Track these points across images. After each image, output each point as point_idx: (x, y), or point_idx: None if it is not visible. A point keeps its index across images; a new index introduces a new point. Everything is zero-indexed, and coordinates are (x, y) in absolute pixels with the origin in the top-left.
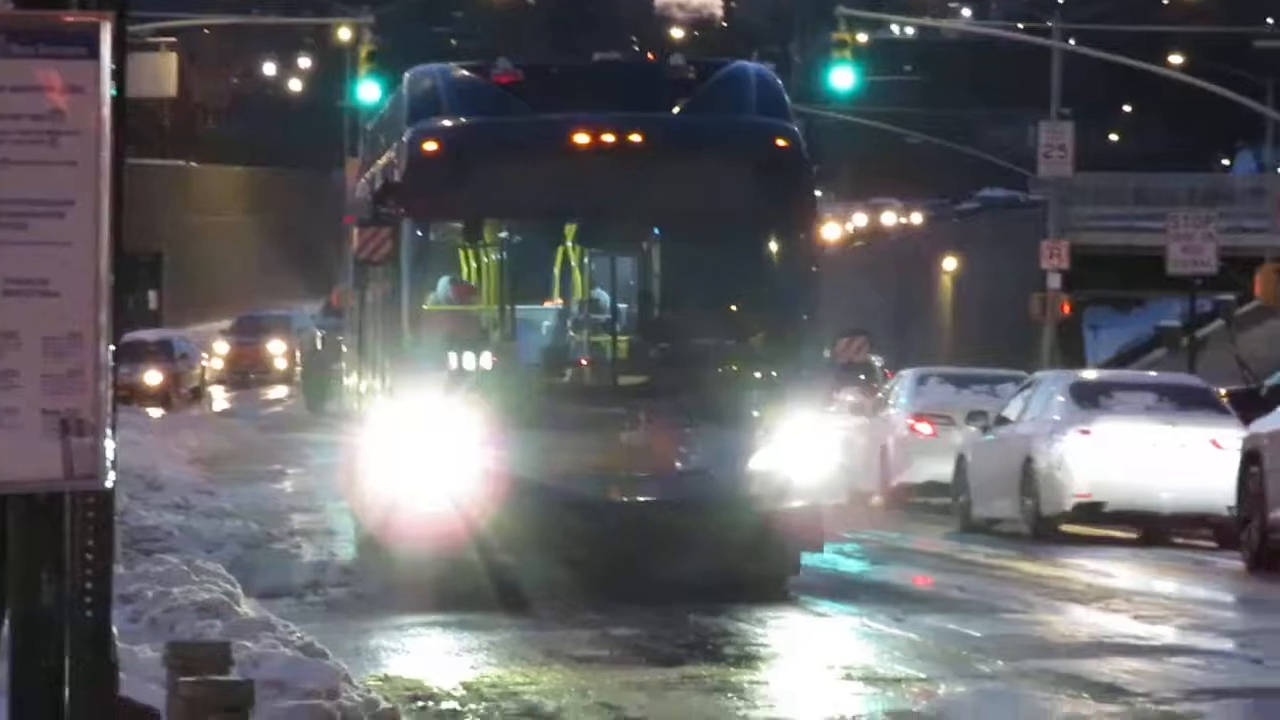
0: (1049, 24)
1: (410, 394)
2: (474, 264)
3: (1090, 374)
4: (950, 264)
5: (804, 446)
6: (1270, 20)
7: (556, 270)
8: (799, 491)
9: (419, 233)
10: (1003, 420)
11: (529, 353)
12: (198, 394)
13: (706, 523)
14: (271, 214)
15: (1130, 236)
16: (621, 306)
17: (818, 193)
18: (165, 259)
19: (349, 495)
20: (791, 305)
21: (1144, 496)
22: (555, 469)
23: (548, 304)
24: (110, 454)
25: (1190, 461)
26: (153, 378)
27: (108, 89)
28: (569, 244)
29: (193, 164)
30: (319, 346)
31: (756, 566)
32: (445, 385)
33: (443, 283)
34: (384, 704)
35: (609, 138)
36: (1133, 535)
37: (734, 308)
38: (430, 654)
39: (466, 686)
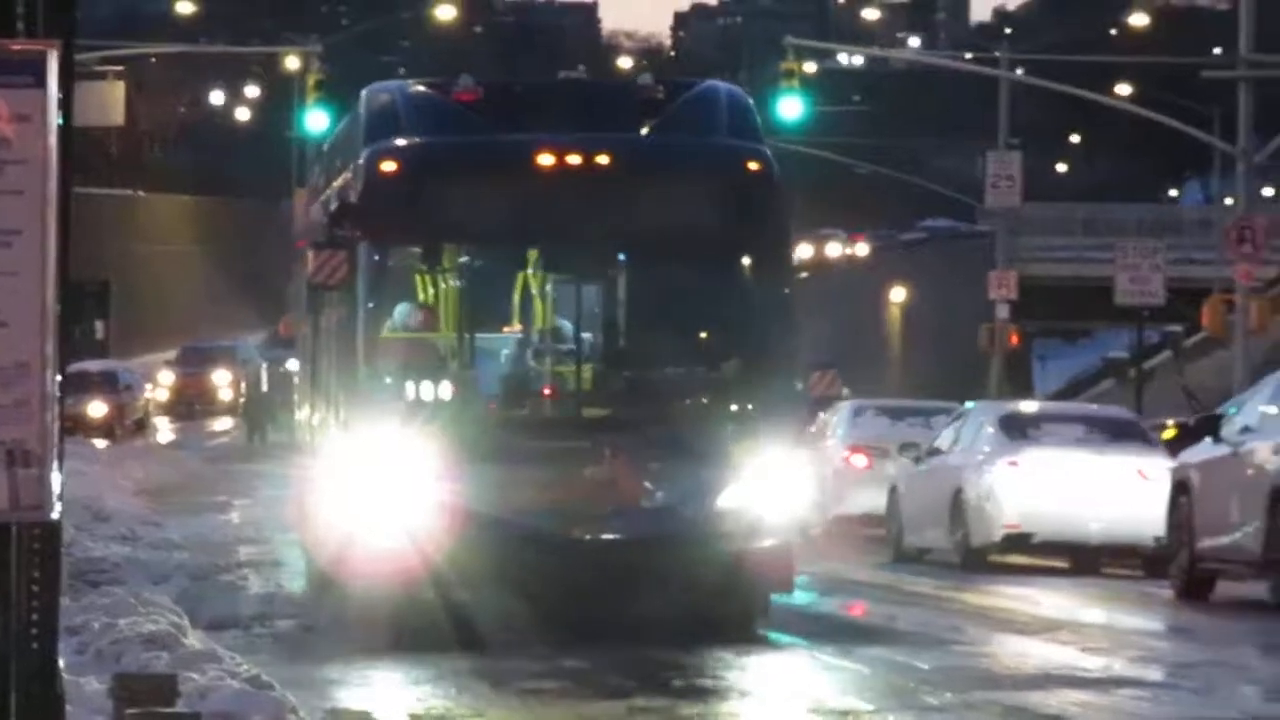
0: (997, 54)
1: (365, 425)
2: (433, 290)
3: (1019, 405)
4: (899, 295)
5: (775, 483)
6: (1218, 50)
7: (519, 297)
8: (769, 530)
9: (376, 256)
10: (935, 451)
11: (489, 383)
12: (142, 425)
13: (672, 561)
14: (219, 243)
15: (1078, 267)
16: (586, 335)
17: (791, 218)
18: (113, 288)
19: (299, 528)
20: (764, 335)
21: (1072, 527)
22: (515, 504)
23: (509, 332)
24: (57, 485)
25: (1118, 492)
26: (97, 409)
27: (55, 118)
28: (532, 270)
29: (140, 193)
30: (263, 377)
31: (723, 607)
32: (402, 416)
33: (400, 309)
34: None
35: (575, 159)
36: (1063, 565)
37: (704, 337)
38: (378, 686)
39: (413, 718)
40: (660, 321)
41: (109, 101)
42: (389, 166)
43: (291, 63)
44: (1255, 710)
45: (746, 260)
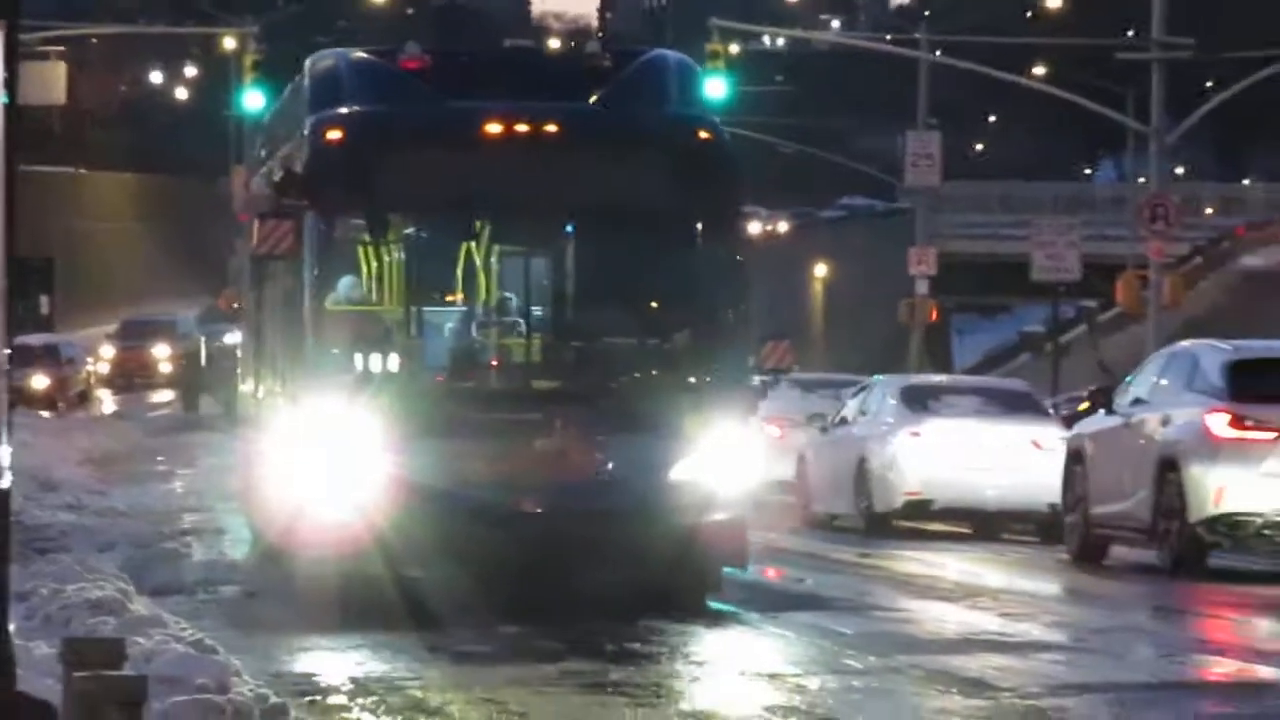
0: (916, 36)
1: (312, 397)
2: (379, 261)
3: (920, 379)
4: (820, 271)
5: (728, 456)
6: (1131, 32)
7: (467, 268)
8: (722, 503)
9: (322, 226)
10: (841, 421)
11: (437, 355)
12: (84, 397)
13: (622, 535)
14: (160, 220)
15: (996, 244)
16: (535, 307)
17: (742, 188)
18: (56, 264)
19: (243, 499)
20: (717, 307)
21: (970, 494)
22: (464, 477)
23: (457, 304)
24: (5, 456)
25: (1013, 461)
26: (39, 381)
27: (0, 96)
28: (480, 241)
29: (82, 170)
30: (201, 350)
31: (675, 580)
32: (349, 388)
33: (346, 281)
34: (274, 698)
35: (523, 128)
36: (965, 530)
37: (655, 309)
38: (319, 651)
39: (354, 681)
40: (611, 293)
41: (51, 81)
42: (335, 135)
43: (229, 43)
44: (1163, 672)
45: (697, 230)
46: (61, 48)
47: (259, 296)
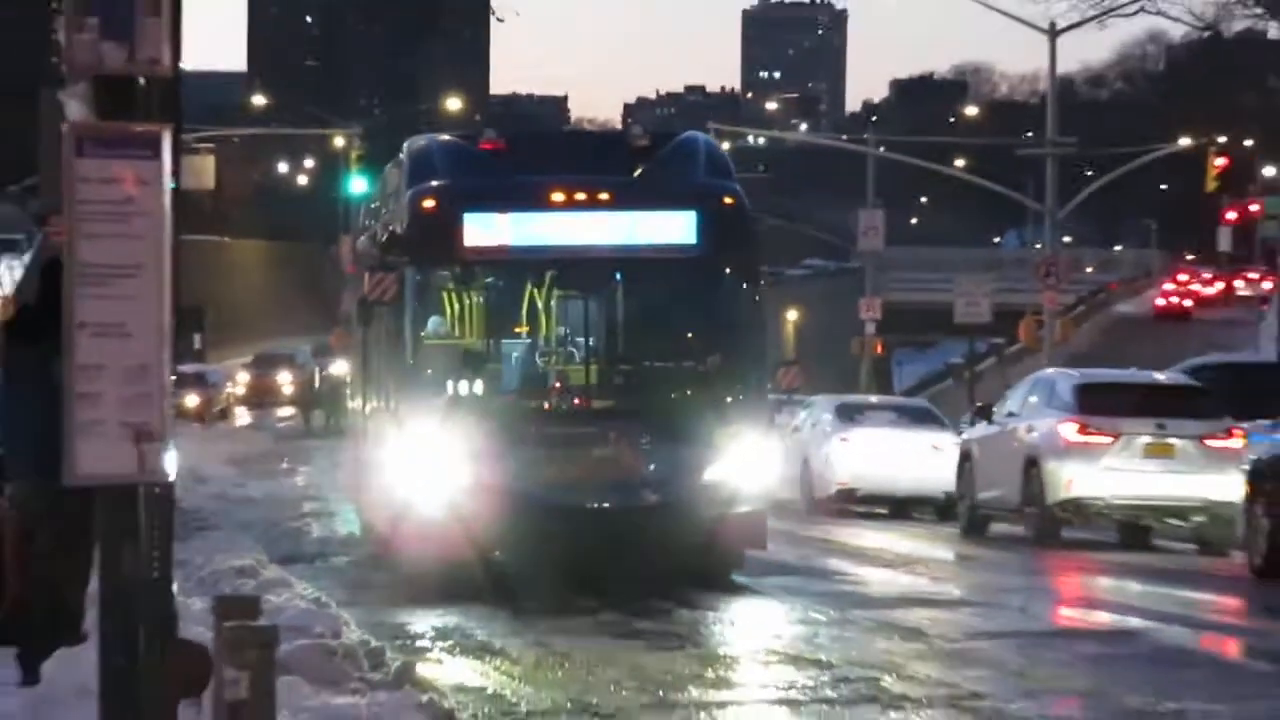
0: (865, 136)
1: (413, 415)
2: (465, 303)
3: (851, 397)
4: (792, 315)
5: (750, 461)
6: (1030, 134)
7: (535, 309)
8: (746, 499)
9: (418, 277)
10: (794, 430)
11: (512, 380)
12: (225, 413)
13: (664, 525)
14: (285, 276)
15: (927, 295)
16: (592, 340)
17: (759, 242)
18: (206, 311)
19: (353, 494)
20: (738, 339)
21: (887, 484)
22: (536, 480)
23: (528, 338)
24: (170, 456)
25: (918, 459)
26: (191, 400)
27: (167, 182)
28: (546, 287)
29: (226, 239)
30: (315, 377)
31: (707, 560)
32: (443, 408)
33: (436, 320)
34: (374, 643)
35: (581, 196)
36: (882, 511)
37: (690, 341)
38: (410, 608)
39: (436, 630)
40: (653, 329)
41: (203, 171)
42: (429, 203)
43: (338, 141)
44: (1061, 623)
45: (723, 277)
46: (211, 145)
47: (365, 334)
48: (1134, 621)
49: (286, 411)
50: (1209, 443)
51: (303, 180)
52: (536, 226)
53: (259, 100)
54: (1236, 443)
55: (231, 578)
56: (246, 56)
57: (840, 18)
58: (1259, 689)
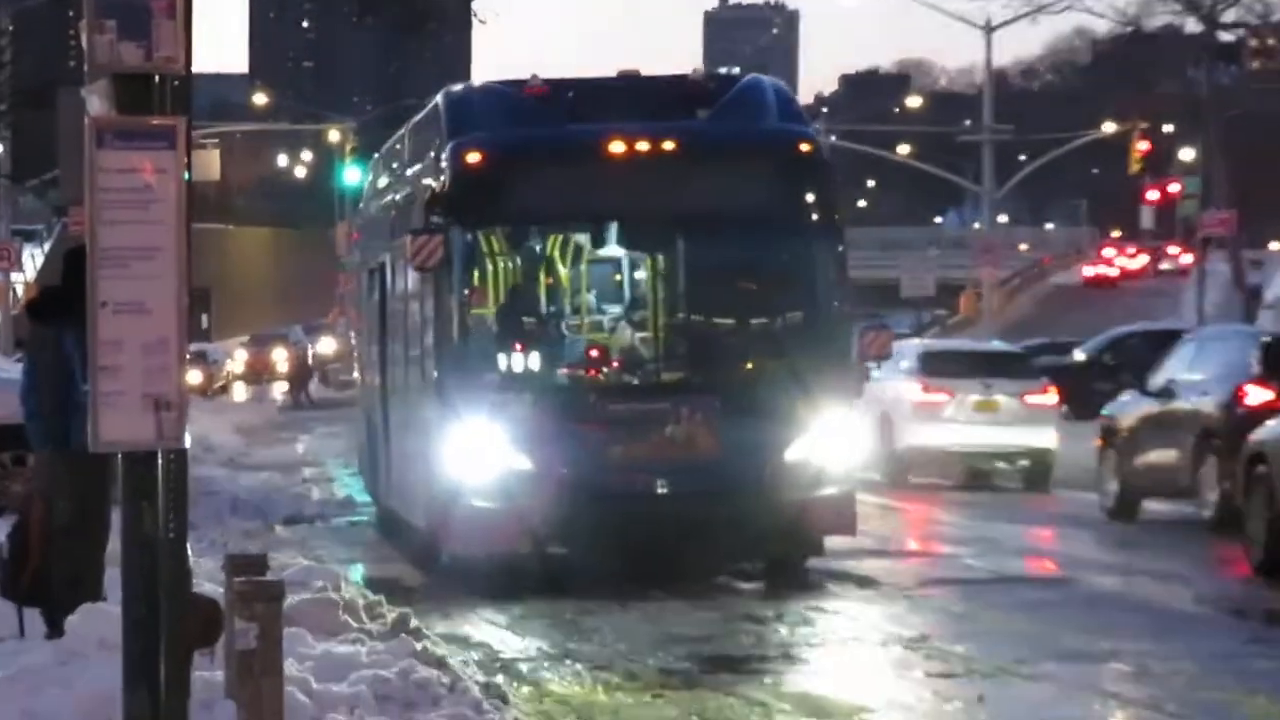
0: (818, 126)
1: (460, 391)
2: (518, 268)
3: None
4: None
5: (836, 438)
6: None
7: (596, 273)
8: (831, 480)
9: (466, 239)
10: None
11: (573, 353)
12: (225, 388)
13: (743, 511)
14: (284, 261)
15: (877, 271)
16: (659, 307)
17: (838, 193)
18: (213, 292)
19: (365, 471)
20: (822, 302)
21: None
22: (603, 463)
23: (588, 306)
24: (186, 424)
25: None
26: (194, 377)
27: (182, 172)
28: (609, 247)
29: (230, 226)
30: (308, 354)
31: (786, 549)
32: (495, 384)
33: (491, 287)
34: (371, 595)
35: (644, 145)
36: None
37: (766, 305)
38: (401, 564)
39: (424, 585)
40: (727, 292)
41: (209, 164)
42: (474, 157)
43: (333, 136)
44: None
45: (801, 231)
46: (216, 140)
47: (382, 308)
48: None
49: (281, 387)
50: (1028, 399)
51: (300, 172)
52: (594, 181)
53: (260, 99)
54: (1051, 399)
55: (240, 538)
56: (248, 59)
57: (792, 18)
58: (1189, 627)
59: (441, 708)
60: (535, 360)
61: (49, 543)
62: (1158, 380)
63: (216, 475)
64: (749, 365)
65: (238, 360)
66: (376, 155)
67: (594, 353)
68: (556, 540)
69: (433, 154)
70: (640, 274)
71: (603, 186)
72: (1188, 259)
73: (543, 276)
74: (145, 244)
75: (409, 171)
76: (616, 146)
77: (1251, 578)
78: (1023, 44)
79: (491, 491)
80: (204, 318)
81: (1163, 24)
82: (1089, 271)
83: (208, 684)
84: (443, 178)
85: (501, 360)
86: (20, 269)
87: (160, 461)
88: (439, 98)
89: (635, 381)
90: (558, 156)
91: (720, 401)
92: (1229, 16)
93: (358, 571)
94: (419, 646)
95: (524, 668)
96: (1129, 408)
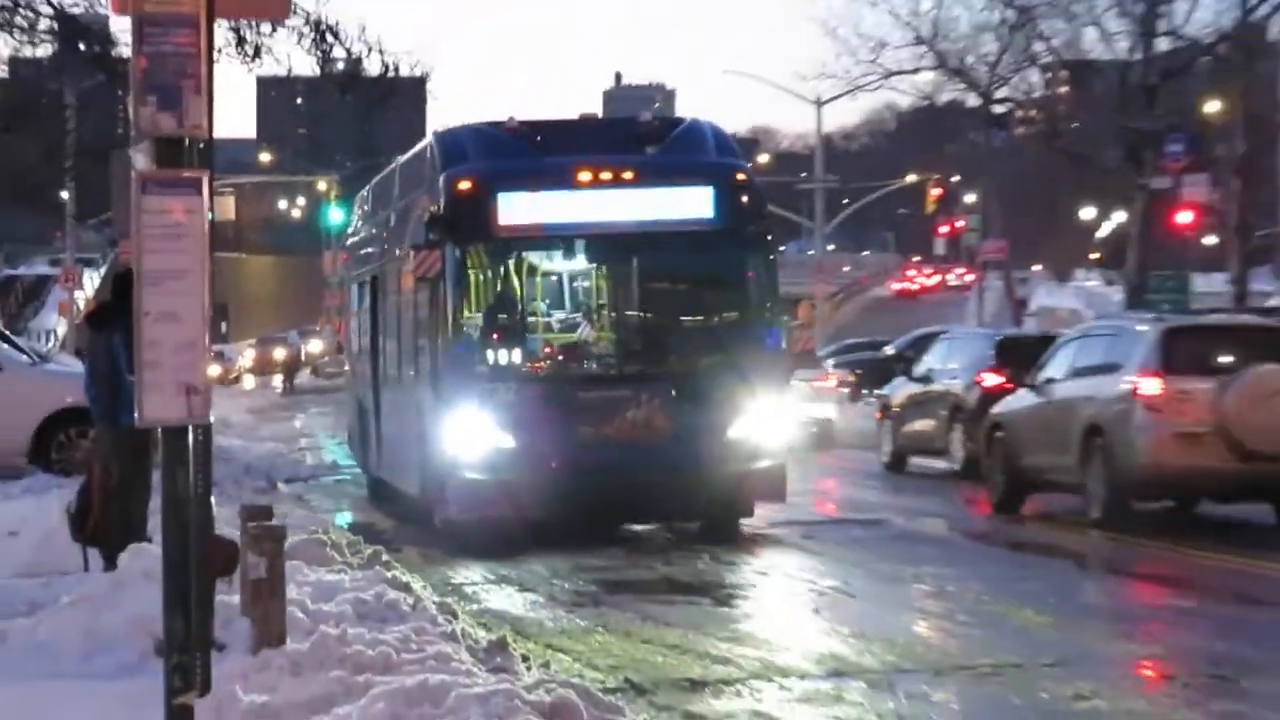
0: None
1: (454, 382)
2: (503, 277)
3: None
4: None
5: (770, 420)
6: (804, 174)
7: (569, 282)
8: (766, 454)
9: (458, 253)
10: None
11: (548, 349)
12: (237, 380)
13: (690, 481)
14: (284, 281)
15: None
16: (621, 309)
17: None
18: (229, 306)
19: (356, 448)
20: (756, 306)
21: None
22: (575, 440)
23: (562, 309)
24: (210, 406)
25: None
26: (215, 370)
27: (205, 213)
28: (578, 261)
29: (242, 255)
30: (301, 352)
31: (730, 513)
32: (484, 376)
33: (479, 294)
34: (352, 536)
35: (607, 175)
36: None
37: (711, 309)
38: (377, 514)
39: (393, 530)
40: (677, 297)
41: (226, 207)
42: (465, 185)
43: (321, 185)
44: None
45: (740, 248)
46: (231, 188)
47: (374, 317)
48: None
49: (279, 379)
50: (814, 383)
51: (296, 213)
52: (566, 204)
53: (265, 157)
54: (831, 383)
55: (251, 493)
56: (256, 127)
57: (670, 95)
58: (970, 556)
59: (407, 621)
60: (517, 355)
61: (106, 498)
62: (920, 369)
63: (233, 445)
64: (696, 359)
65: (247, 358)
66: (360, 195)
67: (567, 348)
68: (536, 506)
69: (426, 183)
70: (604, 282)
71: (573, 208)
72: (970, 278)
73: (523, 284)
74: (178, 268)
75: (402, 200)
76: (584, 175)
77: (992, 515)
78: (845, 115)
79: (481, 465)
80: (223, 325)
81: (950, 99)
82: (897, 287)
83: (227, 605)
84: (438, 202)
85: (489, 355)
86: (81, 288)
87: (190, 434)
88: (430, 137)
89: (602, 374)
90: (535, 183)
91: (673, 391)
92: (1001, 94)
93: (343, 519)
94: (389, 575)
95: (469, 590)
96: (900, 389)
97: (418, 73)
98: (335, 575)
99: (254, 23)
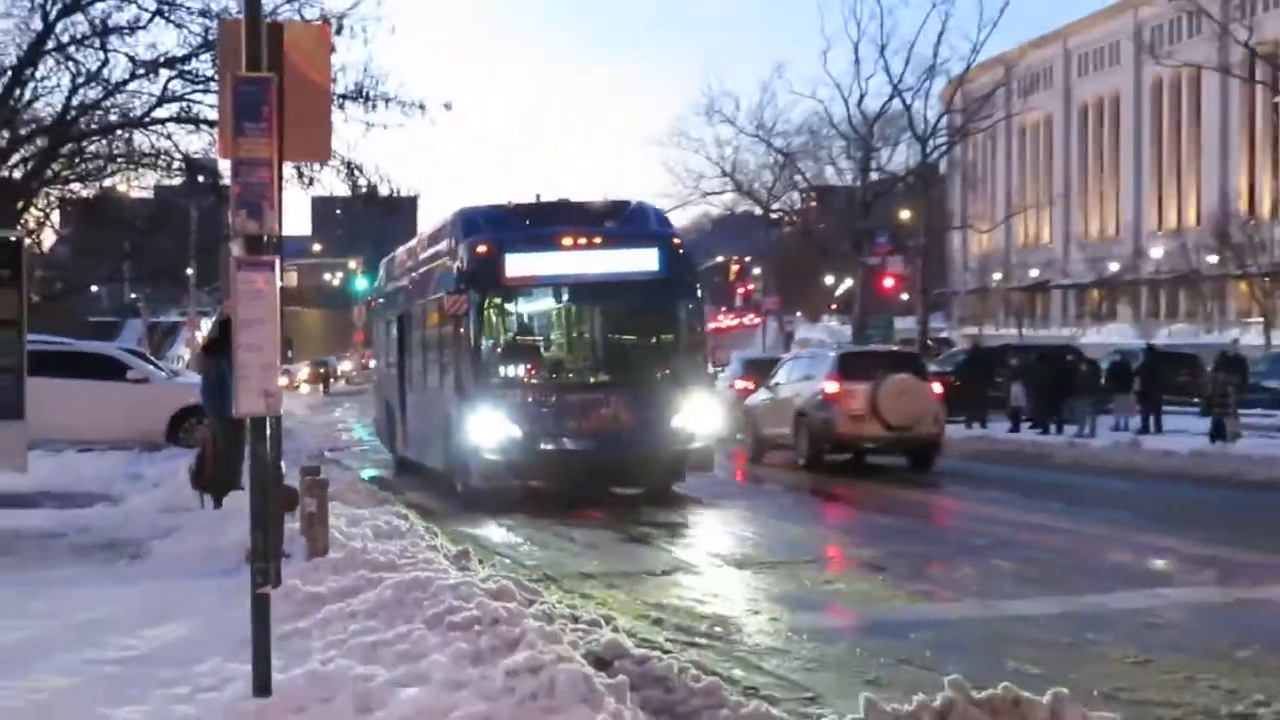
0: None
1: (477, 389)
2: (510, 313)
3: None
4: None
5: (701, 413)
6: None
7: (556, 317)
8: (699, 437)
9: (479, 297)
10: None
11: (546, 365)
12: (297, 387)
13: (647, 457)
14: (327, 325)
15: None
16: (597, 336)
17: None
18: (293, 340)
19: (384, 436)
20: (690, 332)
21: None
22: (562, 431)
23: (552, 337)
24: (281, 403)
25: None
26: (283, 380)
27: (277, 282)
28: (563, 301)
29: (301, 309)
30: (336, 369)
31: (674, 480)
32: (500, 384)
33: (493, 327)
34: (369, 485)
35: (583, 240)
36: None
37: (659, 335)
38: (388, 471)
39: (397, 482)
40: (634, 327)
41: (290, 279)
42: (482, 249)
43: (351, 264)
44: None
45: (678, 292)
46: (294, 267)
47: (400, 344)
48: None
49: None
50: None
51: (335, 282)
52: (554, 261)
53: (316, 246)
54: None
55: (307, 459)
56: (310, 227)
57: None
58: (752, 491)
59: (405, 538)
60: (522, 370)
61: (214, 461)
62: (773, 381)
63: (296, 428)
64: (648, 371)
65: (304, 373)
66: (384, 262)
67: (557, 365)
68: (534, 478)
69: (449, 248)
70: (581, 316)
71: (559, 264)
72: (757, 320)
73: (524, 318)
74: (259, 317)
75: (426, 261)
76: (567, 240)
77: (746, 463)
78: (677, 220)
79: (496, 449)
80: (288, 352)
81: (744, 209)
82: (712, 325)
83: (291, 531)
84: (462, 260)
85: (501, 370)
86: (200, 329)
87: (268, 421)
88: (452, 215)
89: (582, 383)
90: (532, 246)
91: (633, 395)
92: (775, 206)
93: (366, 474)
94: (394, 509)
95: (444, 518)
96: (759, 397)
97: (411, 194)
98: (360, 510)
99: (308, 164)
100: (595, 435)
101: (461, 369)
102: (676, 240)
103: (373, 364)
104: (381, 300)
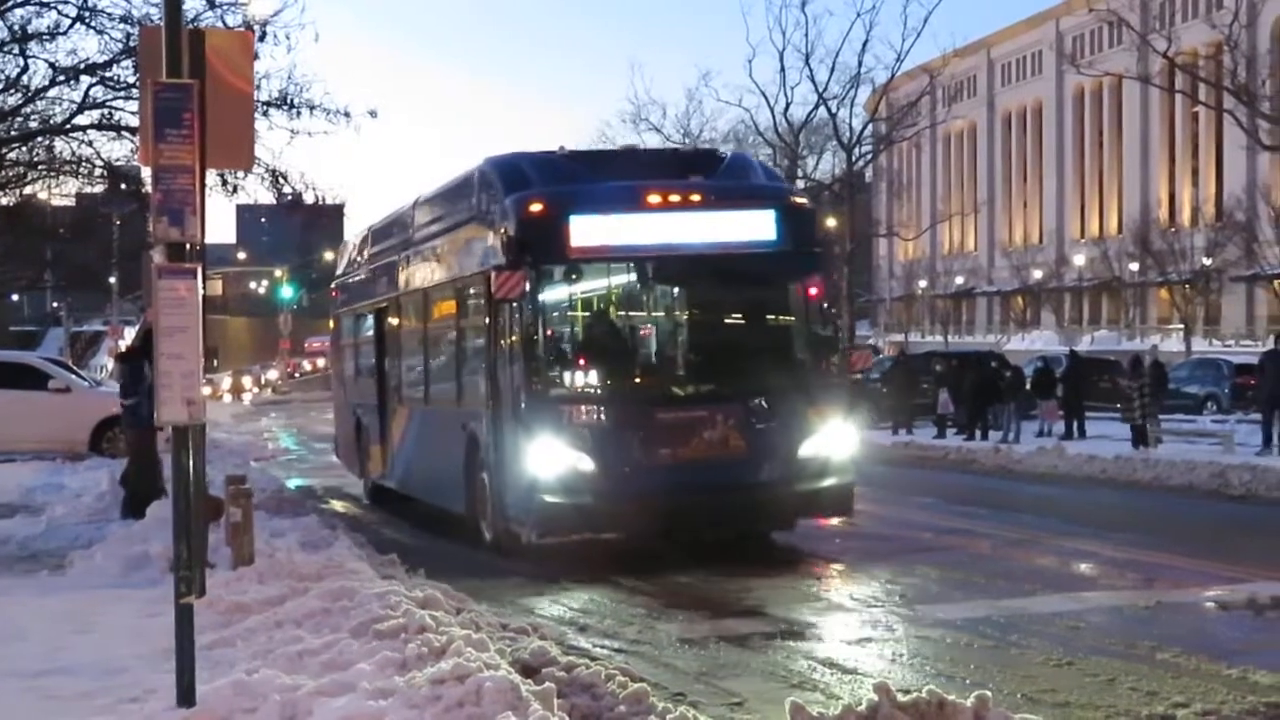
0: None
1: (531, 407)
2: (576, 300)
3: None
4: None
5: (837, 440)
6: None
7: (640, 302)
8: (835, 471)
9: (534, 274)
10: None
11: (627, 368)
12: (220, 396)
13: (767, 498)
14: (251, 333)
15: None
16: (690, 330)
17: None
18: (218, 349)
19: (343, 456)
20: (818, 325)
21: None
22: (652, 462)
23: (638, 328)
24: (204, 412)
25: None
26: (206, 390)
27: (199, 290)
28: (648, 282)
29: (225, 317)
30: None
31: (790, 525)
32: (565, 398)
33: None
34: (297, 494)
35: (676, 198)
36: None
37: (775, 328)
38: (319, 478)
39: (325, 490)
40: (744, 317)
41: (213, 287)
42: (536, 207)
43: (277, 272)
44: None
45: (800, 268)
46: (218, 275)
47: (382, 339)
48: None
49: (247, 398)
50: None
51: (261, 290)
52: (635, 227)
53: (241, 254)
54: None
55: (232, 468)
56: (235, 234)
57: None
58: None
59: (334, 547)
60: (595, 375)
61: (137, 470)
62: None
63: (219, 437)
64: (766, 380)
65: (226, 383)
66: (350, 242)
67: (643, 369)
68: (613, 527)
69: (479, 208)
70: (672, 303)
71: (642, 230)
72: None
73: (595, 306)
74: (181, 325)
75: (434, 234)
76: (654, 198)
77: None
78: None
79: (562, 488)
80: (212, 361)
81: None
82: None
83: (216, 540)
84: (501, 226)
85: (564, 377)
86: (123, 338)
87: (190, 431)
88: (481, 165)
89: (681, 394)
90: (606, 205)
91: (747, 411)
92: None
93: (293, 483)
94: (322, 519)
95: (371, 524)
96: None
97: (338, 201)
98: (286, 520)
99: (232, 171)
100: (696, 468)
101: (500, 375)
102: (800, 200)
103: (317, 365)
104: (352, 287)
